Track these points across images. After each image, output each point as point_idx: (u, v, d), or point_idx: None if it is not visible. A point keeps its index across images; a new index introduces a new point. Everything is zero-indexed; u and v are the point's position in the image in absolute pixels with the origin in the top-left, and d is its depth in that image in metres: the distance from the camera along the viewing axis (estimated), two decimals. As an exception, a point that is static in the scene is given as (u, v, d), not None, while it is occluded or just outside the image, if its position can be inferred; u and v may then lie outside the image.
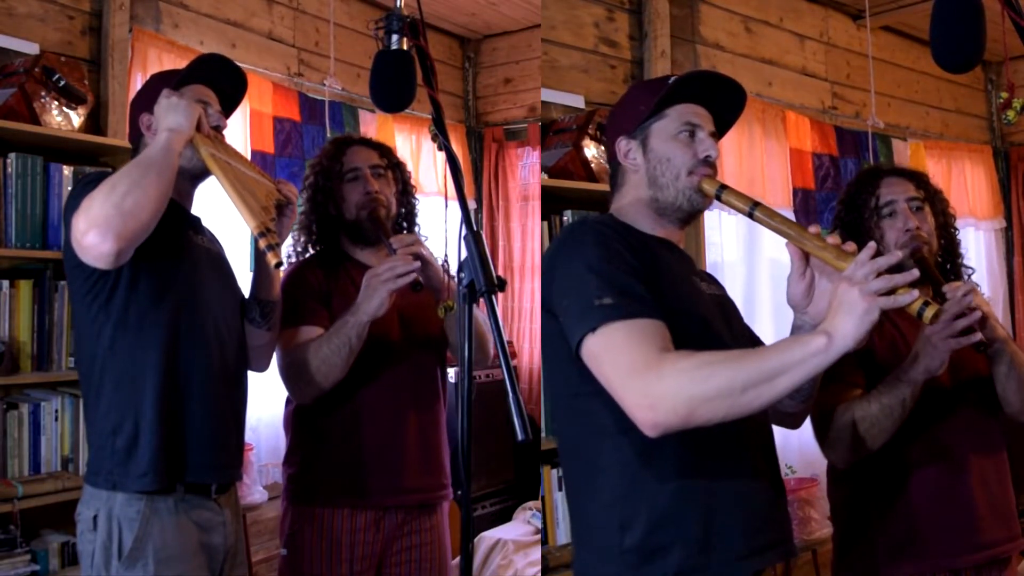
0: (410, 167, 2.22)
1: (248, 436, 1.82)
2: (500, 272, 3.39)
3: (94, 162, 2.76)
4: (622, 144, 1.51)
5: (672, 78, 1.50)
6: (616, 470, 1.34)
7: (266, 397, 3.04)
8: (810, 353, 1.18)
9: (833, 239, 1.30)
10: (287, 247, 2.04)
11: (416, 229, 2.20)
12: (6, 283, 2.52)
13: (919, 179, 1.93)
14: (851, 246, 1.29)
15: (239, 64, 1.82)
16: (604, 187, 2.96)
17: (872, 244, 1.23)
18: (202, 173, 1.69)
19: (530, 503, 3.98)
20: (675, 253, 1.50)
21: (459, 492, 1.33)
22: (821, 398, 1.61)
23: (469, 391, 1.30)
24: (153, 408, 1.58)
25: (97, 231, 1.42)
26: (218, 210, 2.03)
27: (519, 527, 3.85)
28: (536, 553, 3.50)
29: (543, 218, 2.94)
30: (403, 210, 2.16)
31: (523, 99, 4.80)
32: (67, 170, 2.63)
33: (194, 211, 1.79)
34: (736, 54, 3.75)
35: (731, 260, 3.73)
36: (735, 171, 3.53)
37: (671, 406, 1.19)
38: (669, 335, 1.27)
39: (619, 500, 1.34)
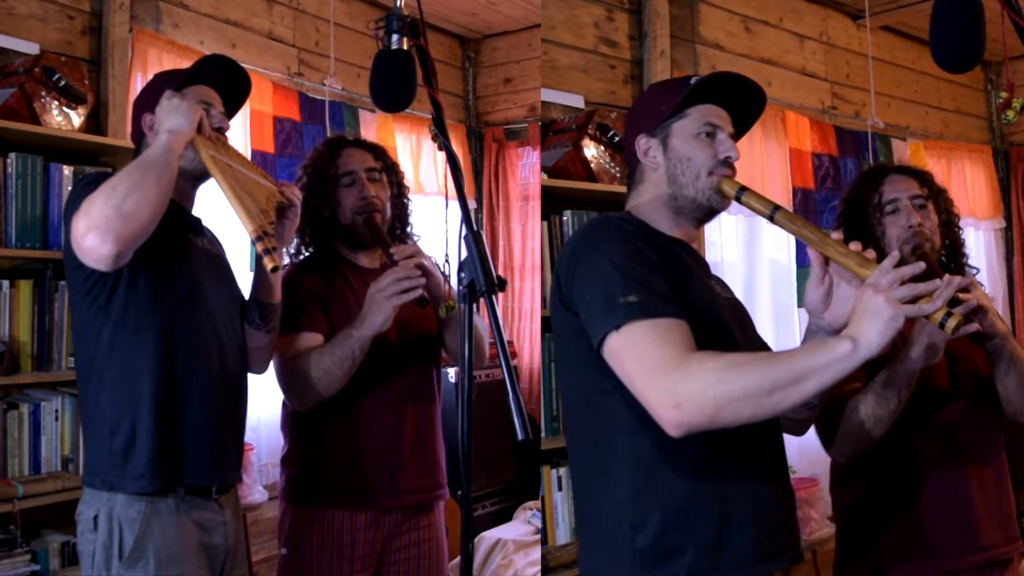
0: (410, 167, 2.24)
1: (248, 436, 1.82)
2: (500, 272, 3.38)
3: (94, 162, 2.76)
4: (642, 142, 1.51)
5: (694, 78, 1.50)
6: (630, 469, 1.34)
7: (266, 397, 3.04)
8: (835, 358, 1.18)
9: (855, 245, 1.31)
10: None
11: (409, 230, 2.20)
12: (6, 283, 2.52)
13: (922, 177, 1.93)
14: (872, 253, 1.30)
15: (240, 64, 1.82)
16: (604, 187, 2.98)
17: (896, 253, 1.25)
18: (203, 174, 1.68)
19: (530, 503, 3.98)
20: (692, 255, 1.50)
21: (459, 492, 1.32)
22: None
23: (469, 391, 1.30)
24: (150, 410, 1.57)
25: (97, 233, 1.42)
26: (219, 211, 2.03)
27: (519, 527, 3.85)
28: (536, 553, 3.50)
29: (543, 218, 2.94)
30: (397, 212, 2.16)
31: (523, 99, 4.80)
32: (67, 170, 2.63)
33: (195, 212, 1.79)
34: (736, 54, 3.76)
35: (731, 260, 3.73)
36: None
37: (697, 405, 1.19)
38: (691, 335, 1.27)
39: (632, 499, 1.33)
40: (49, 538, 2.53)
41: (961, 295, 1.60)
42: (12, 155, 2.53)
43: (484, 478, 4.12)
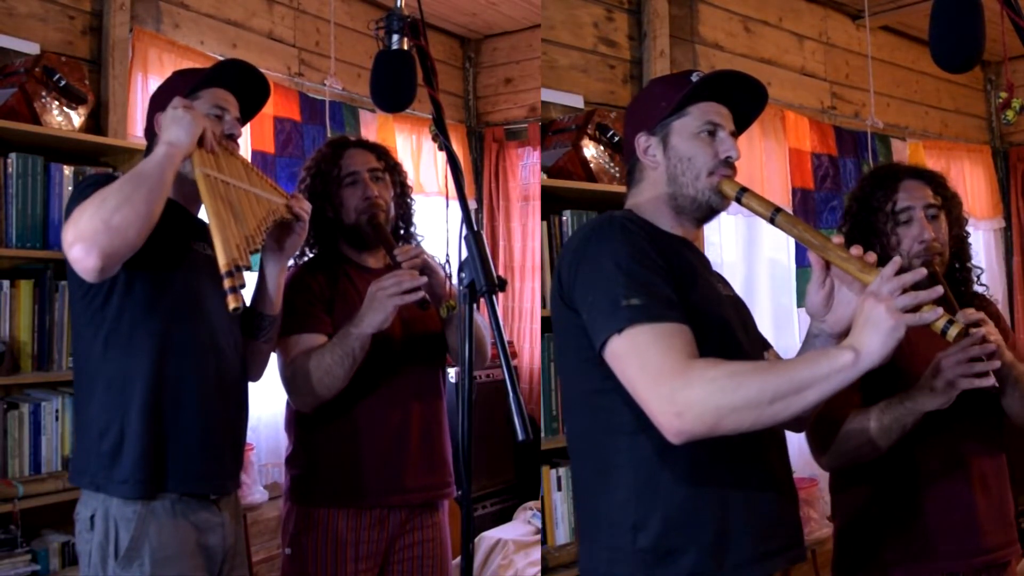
0: (411, 167, 2.24)
1: (248, 436, 1.81)
2: (500, 272, 3.39)
3: (94, 162, 2.76)
4: (641, 140, 1.50)
5: (694, 74, 1.48)
6: (631, 468, 1.34)
7: (266, 397, 3.04)
8: (837, 369, 1.18)
9: (856, 250, 1.30)
10: None
11: (413, 230, 2.20)
12: (6, 283, 2.52)
13: (937, 183, 1.89)
14: (872, 256, 1.29)
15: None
16: (603, 187, 2.98)
17: (897, 259, 1.23)
18: None
19: (530, 503, 3.98)
20: (694, 253, 1.49)
21: (460, 492, 1.33)
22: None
23: (469, 391, 1.30)
24: (139, 415, 1.56)
25: (82, 245, 1.41)
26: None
27: (519, 527, 3.85)
28: (536, 553, 3.50)
29: (542, 218, 2.95)
30: (401, 212, 2.16)
31: (523, 99, 4.80)
32: (68, 170, 2.63)
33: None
34: (735, 54, 3.76)
35: (730, 260, 3.73)
36: (735, 171, 3.53)
37: (698, 414, 1.19)
38: (694, 340, 1.26)
39: (633, 499, 1.33)
40: (49, 538, 2.53)
41: (972, 328, 1.60)
42: (12, 155, 2.53)
43: (484, 478, 4.12)
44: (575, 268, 1.36)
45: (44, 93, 2.59)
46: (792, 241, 3.78)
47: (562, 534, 2.85)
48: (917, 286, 1.21)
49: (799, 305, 3.78)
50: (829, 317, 1.39)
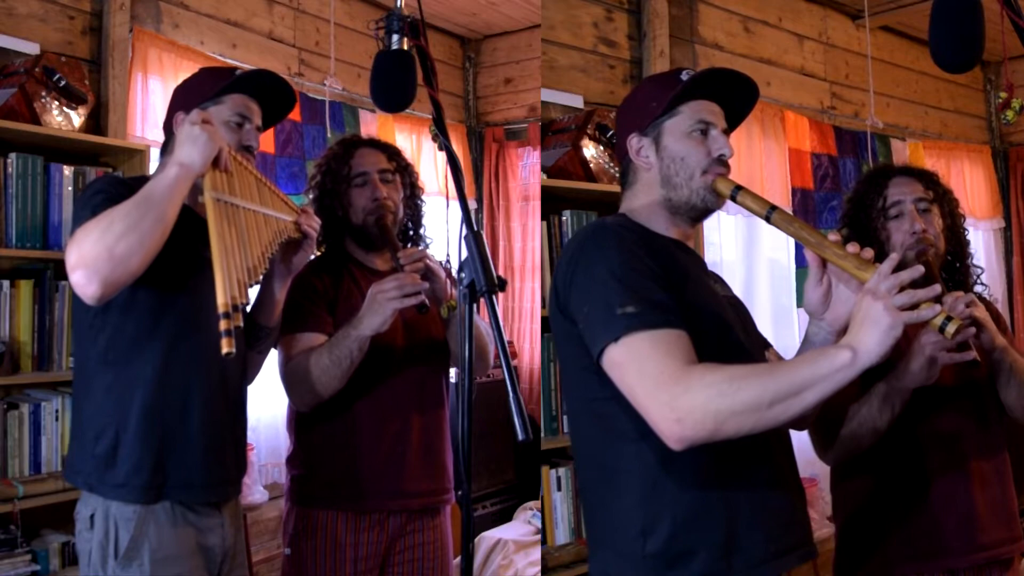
0: (410, 167, 2.24)
1: (248, 436, 1.81)
2: (500, 272, 3.39)
3: (94, 162, 2.76)
4: (634, 141, 1.49)
5: (684, 72, 1.47)
6: (637, 474, 1.33)
7: (266, 398, 3.04)
8: (835, 368, 1.18)
9: (853, 247, 1.29)
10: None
11: (423, 232, 2.20)
12: (6, 283, 2.52)
13: (928, 179, 1.92)
14: (869, 253, 1.28)
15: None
16: (603, 187, 2.98)
17: (894, 256, 1.24)
18: None
19: (531, 503, 3.98)
20: (690, 255, 1.49)
21: (460, 492, 1.32)
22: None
23: (469, 391, 1.30)
24: (139, 421, 1.55)
25: (84, 272, 1.39)
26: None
27: (519, 527, 3.85)
28: (536, 553, 3.50)
29: (542, 218, 2.95)
30: (410, 213, 2.16)
31: (523, 99, 4.80)
32: (67, 170, 2.63)
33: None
34: (735, 54, 3.76)
35: (730, 260, 3.73)
36: (734, 171, 3.50)
37: (698, 420, 1.18)
38: (692, 345, 1.26)
39: (640, 504, 1.32)
40: (49, 538, 2.53)
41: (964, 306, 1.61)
42: (12, 155, 2.52)
43: (485, 478, 4.12)
44: (570, 277, 1.35)
45: (44, 93, 2.59)
46: (792, 241, 3.78)
47: (562, 534, 2.85)
48: (915, 284, 1.20)
49: (799, 305, 3.79)
50: (828, 315, 1.39)
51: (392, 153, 2.14)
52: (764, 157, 3.71)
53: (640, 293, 1.27)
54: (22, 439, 2.52)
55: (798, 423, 1.57)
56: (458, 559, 1.45)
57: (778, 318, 3.90)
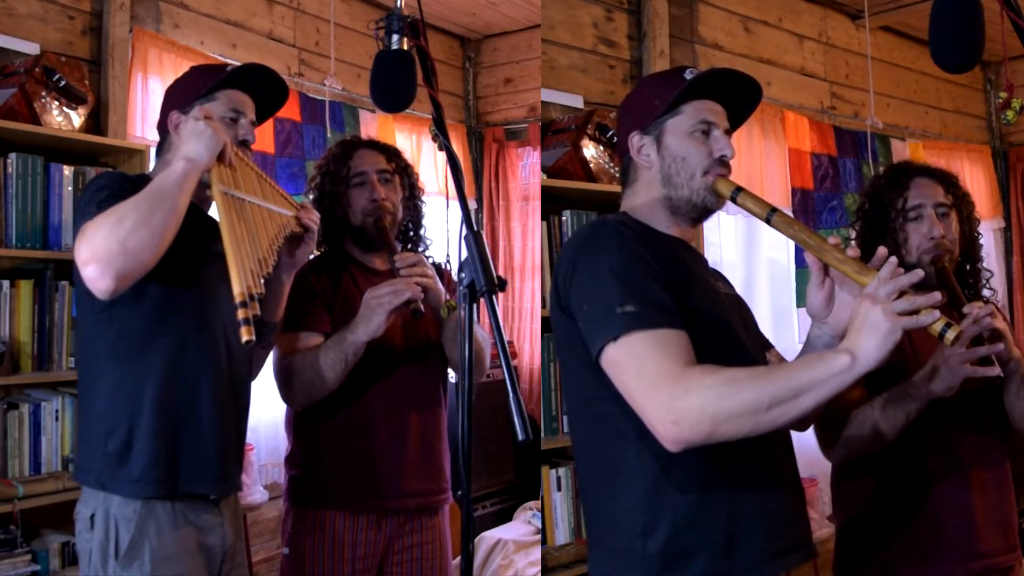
0: (410, 168, 2.25)
1: (248, 436, 1.82)
2: (500, 272, 3.39)
3: (94, 162, 2.76)
4: (635, 139, 1.48)
5: (688, 71, 1.47)
6: (638, 474, 1.33)
7: (266, 397, 3.03)
8: (834, 372, 1.17)
9: (853, 251, 1.29)
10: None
11: (422, 232, 2.20)
12: (6, 283, 2.52)
13: (948, 181, 1.90)
14: (883, 250, 1.26)
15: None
16: (603, 187, 2.98)
17: (893, 260, 1.23)
18: None
19: (531, 503, 3.98)
20: (691, 253, 1.48)
21: (460, 492, 1.32)
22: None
23: (469, 391, 1.30)
24: (151, 416, 1.56)
25: (97, 266, 1.39)
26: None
27: (520, 527, 3.85)
28: (536, 553, 3.50)
29: (542, 218, 2.95)
30: (410, 213, 2.16)
31: (523, 99, 4.80)
32: (67, 170, 2.63)
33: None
34: (735, 54, 3.76)
35: (730, 260, 3.73)
36: (734, 171, 3.51)
37: (695, 422, 1.18)
38: (691, 345, 1.26)
39: (641, 504, 1.32)
40: (49, 538, 2.53)
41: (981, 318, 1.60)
42: (12, 155, 2.52)
43: (485, 478, 4.12)
44: (570, 275, 1.35)
45: (44, 93, 2.59)
46: (792, 241, 3.78)
47: (562, 534, 2.85)
48: (922, 284, 1.20)
49: (799, 305, 3.79)
50: (830, 318, 1.38)
51: (391, 154, 2.14)
52: (764, 157, 3.70)
53: (640, 292, 1.27)
54: (22, 439, 2.52)
55: (798, 425, 1.56)
56: (458, 559, 1.45)
57: (778, 318, 3.90)
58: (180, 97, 1.68)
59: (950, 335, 1.18)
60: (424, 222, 2.21)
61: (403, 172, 2.14)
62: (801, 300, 3.66)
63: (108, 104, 2.85)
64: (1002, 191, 4.87)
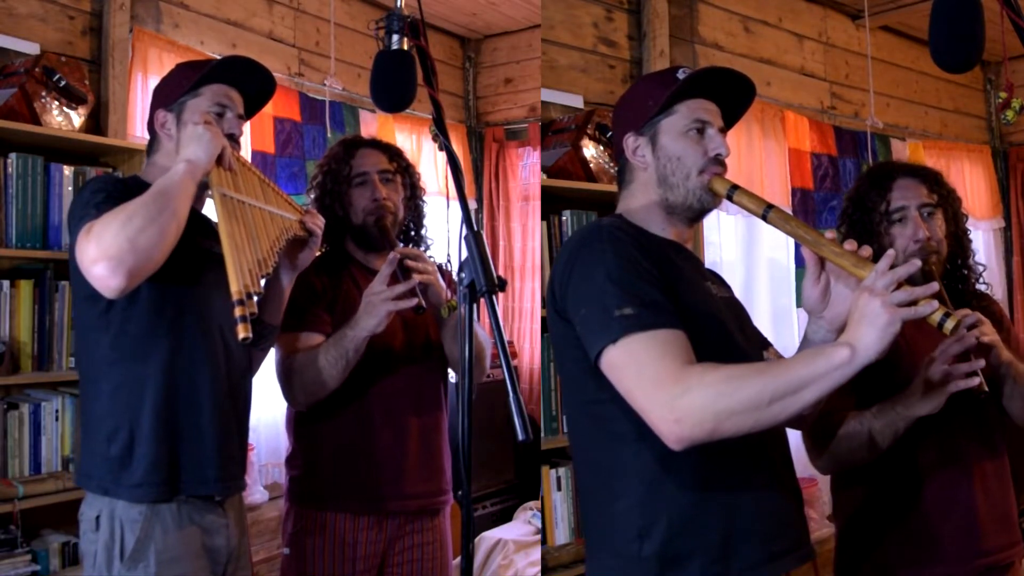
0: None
1: (248, 436, 1.82)
2: (501, 272, 3.39)
3: (94, 162, 2.76)
4: (630, 140, 1.48)
5: (681, 71, 1.47)
6: (635, 476, 1.33)
7: (266, 398, 3.04)
8: (834, 366, 1.17)
9: (850, 245, 1.29)
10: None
11: (424, 232, 2.20)
12: (6, 283, 2.52)
13: (932, 180, 1.87)
14: (867, 251, 1.27)
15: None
16: (603, 187, 2.98)
17: (891, 252, 1.23)
18: None
19: (531, 503, 3.98)
20: (686, 256, 1.48)
21: (460, 492, 1.32)
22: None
23: (469, 391, 1.30)
24: (151, 419, 1.56)
25: (107, 265, 1.39)
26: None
27: (520, 527, 3.85)
28: (536, 553, 3.50)
29: (542, 218, 2.95)
30: (411, 213, 2.16)
31: (524, 99, 4.80)
32: (67, 170, 2.63)
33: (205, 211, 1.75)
34: (735, 54, 3.76)
35: (729, 260, 3.73)
36: (734, 171, 3.48)
37: (697, 420, 1.18)
38: (690, 345, 1.26)
39: (638, 506, 1.32)
40: (49, 538, 2.53)
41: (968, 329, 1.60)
42: (12, 155, 2.52)
43: (485, 478, 4.12)
44: (566, 280, 1.35)
45: (44, 93, 2.59)
46: (791, 241, 3.78)
47: (562, 534, 2.85)
48: (912, 280, 1.20)
49: (798, 305, 3.78)
50: (827, 313, 1.38)
51: (393, 154, 2.14)
52: (764, 157, 3.70)
53: (637, 295, 1.27)
54: (22, 439, 2.52)
55: (796, 422, 1.56)
56: (458, 559, 1.45)
57: (777, 318, 3.90)
58: (166, 95, 1.68)
59: (949, 324, 1.19)
60: (425, 222, 2.21)
61: (405, 172, 2.14)
62: (801, 299, 3.66)
63: (108, 104, 2.85)
64: (1002, 191, 4.87)
